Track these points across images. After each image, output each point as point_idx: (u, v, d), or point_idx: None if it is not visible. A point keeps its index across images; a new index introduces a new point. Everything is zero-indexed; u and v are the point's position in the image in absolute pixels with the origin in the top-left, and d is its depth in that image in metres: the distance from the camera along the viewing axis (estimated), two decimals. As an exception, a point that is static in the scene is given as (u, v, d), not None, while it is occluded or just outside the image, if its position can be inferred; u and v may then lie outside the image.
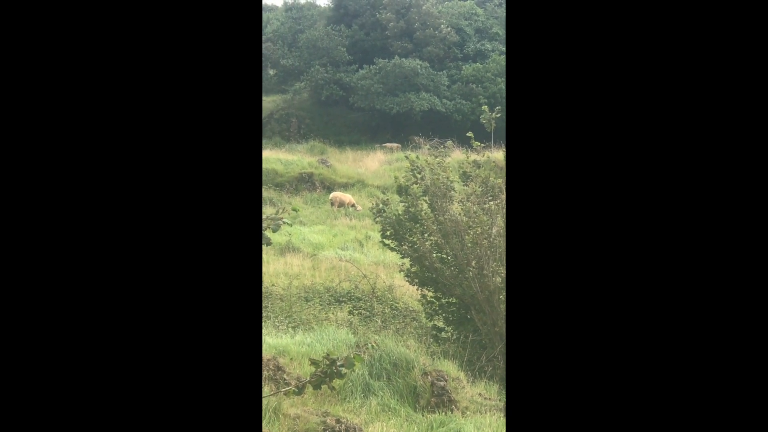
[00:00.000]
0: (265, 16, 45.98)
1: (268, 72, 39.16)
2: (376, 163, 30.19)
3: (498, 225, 14.01)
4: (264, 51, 37.46)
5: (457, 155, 16.82)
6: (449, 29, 36.05)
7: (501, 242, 13.77)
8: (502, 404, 12.32)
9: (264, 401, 11.19)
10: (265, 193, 27.21)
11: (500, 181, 14.59)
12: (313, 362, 9.64)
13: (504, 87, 34.29)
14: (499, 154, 16.72)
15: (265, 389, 11.51)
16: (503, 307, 13.41)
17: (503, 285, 13.63)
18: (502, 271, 13.64)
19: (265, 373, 12.37)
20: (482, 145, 15.83)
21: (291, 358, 12.05)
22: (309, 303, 15.46)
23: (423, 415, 11.59)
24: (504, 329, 13.41)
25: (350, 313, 15.01)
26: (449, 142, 18.26)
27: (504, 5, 48.07)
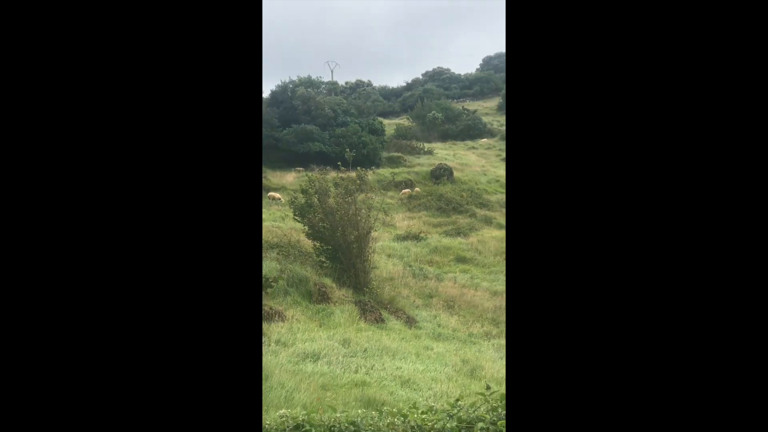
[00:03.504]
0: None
1: None
2: (292, 178, 31.91)
3: (353, 209, 15.80)
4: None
5: (332, 174, 18.53)
6: (329, 110, 38.73)
7: (355, 218, 15.68)
8: (356, 299, 14.45)
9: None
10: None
11: (353, 187, 16.42)
12: (261, 278, 11.48)
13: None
14: (353, 174, 17.92)
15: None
16: (356, 249, 15.69)
17: (358, 242, 15.66)
18: (353, 232, 15.66)
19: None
20: (345, 169, 18.04)
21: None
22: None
23: (313, 305, 13.71)
24: (358, 265, 15.61)
25: (278, 253, 16.17)
26: (328, 168, 19.54)
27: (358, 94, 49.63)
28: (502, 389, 4.27)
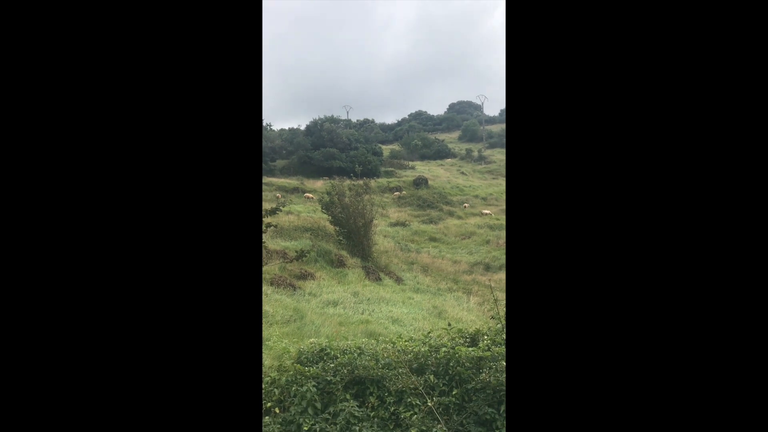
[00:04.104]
0: (287, 134, 44.24)
1: (282, 152, 41.00)
2: (320, 184, 31.57)
3: (362, 205, 15.91)
4: (276, 146, 39.64)
5: (347, 182, 18.16)
6: (346, 139, 38.96)
7: (362, 211, 15.74)
8: (363, 265, 14.42)
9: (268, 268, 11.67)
10: (278, 193, 27.71)
11: (361, 190, 16.56)
12: (296, 251, 11.73)
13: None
14: (361, 182, 18.17)
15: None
16: (363, 231, 15.64)
17: (364, 227, 15.59)
18: (361, 220, 15.67)
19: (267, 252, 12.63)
20: (356, 178, 18.68)
21: (288, 251, 13.67)
22: (297, 231, 16.43)
23: (334, 269, 13.48)
24: (364, 243, 15.41)
25: (311, 234, 16.16)
26: (345, 177, 19.82)
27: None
28: (459, 326, 4.36)
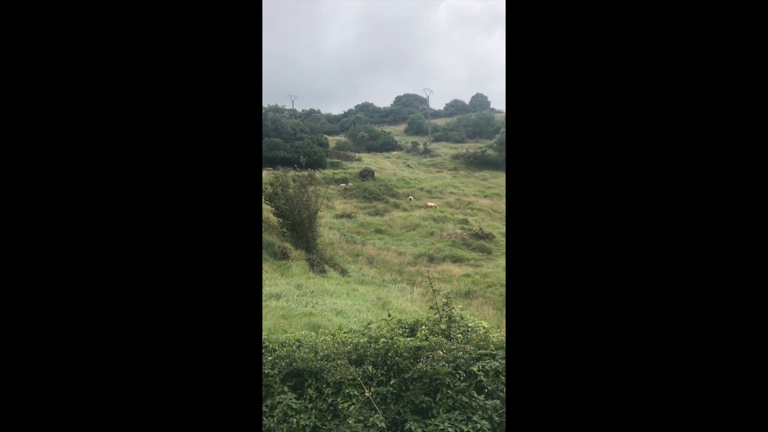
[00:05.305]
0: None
1: None
2: (264, 174, 31.08)
3: (306, 197, 15.80)
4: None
5: (291, 173, 17.63)
6: (291, 129, 38.21)
7: (307, 202, 15.67)
8: (307, 257, 14.33)
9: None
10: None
11: (306, 182, 16.39)
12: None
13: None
14: (306, 173, 17.54)
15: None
16: (307, 223, 15.58)
17: (309, 218, 15.51)
18: (306, 212, 15.58)
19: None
20: (300, 169, 17.93)
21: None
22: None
23: (277, 261, 13.27)
24: (308, 234, 15.42)
25: None
26: (289, 168, 19.66)
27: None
28: (402, 316, 4.42)
